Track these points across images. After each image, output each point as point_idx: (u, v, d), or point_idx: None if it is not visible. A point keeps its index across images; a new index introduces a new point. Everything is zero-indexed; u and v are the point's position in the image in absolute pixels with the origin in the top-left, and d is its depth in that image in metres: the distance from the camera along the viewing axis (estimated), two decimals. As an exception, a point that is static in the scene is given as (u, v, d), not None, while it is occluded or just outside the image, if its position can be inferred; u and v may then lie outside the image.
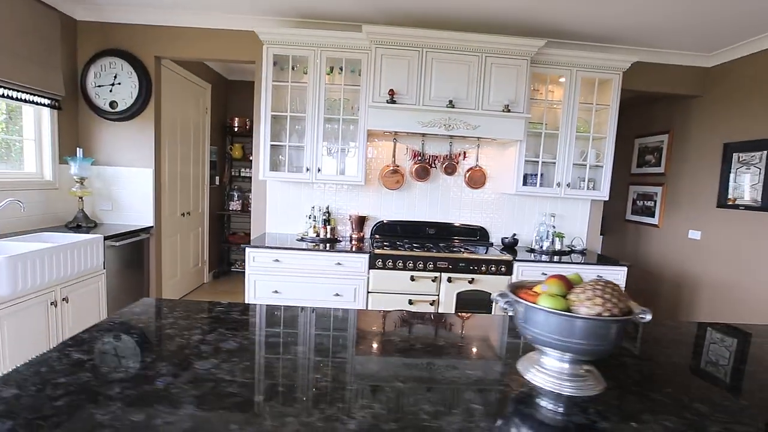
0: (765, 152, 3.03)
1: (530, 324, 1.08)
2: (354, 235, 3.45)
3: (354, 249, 3.03)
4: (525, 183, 3.38)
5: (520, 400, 1.00)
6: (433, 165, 3.55)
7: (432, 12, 3.04)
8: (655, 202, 4.08)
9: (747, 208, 3.15)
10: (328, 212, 3.39)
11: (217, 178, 5.04)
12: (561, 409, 0.96)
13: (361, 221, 3.46)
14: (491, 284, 3.03)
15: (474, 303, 3.03)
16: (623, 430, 0.88)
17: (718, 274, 3.38)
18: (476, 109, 3.06)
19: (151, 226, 3.53)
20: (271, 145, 3.20)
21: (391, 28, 2.96)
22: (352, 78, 3.26)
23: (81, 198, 3.31)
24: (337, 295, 3.00)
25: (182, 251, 4.27)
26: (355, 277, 2.99)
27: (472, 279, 3.01)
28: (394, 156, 3.54)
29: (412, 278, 2.99)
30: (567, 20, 3.04)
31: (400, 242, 3.34)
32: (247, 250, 2.95)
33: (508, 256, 3.05)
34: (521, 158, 3.27)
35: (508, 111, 3.05)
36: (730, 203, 3.28)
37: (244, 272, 4.88)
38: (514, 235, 3.60)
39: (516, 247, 3.51)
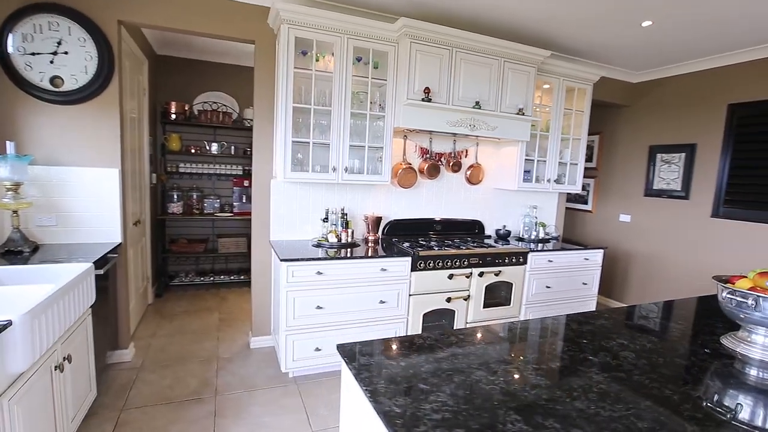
0: (683, 154, 3.99)
1: (761, 311, 1.33)
2: (371, 237, 3.29)
3: (396, 252, 2.92)
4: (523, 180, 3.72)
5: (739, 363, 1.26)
6: (440, 162, 3.61)
7: (461, 12, 3.04)
8: (588, 192, 4.94)
9: (669, 196, 4.11)
10: (345, 214, 3.16)
11: (154, 175, 4.10)
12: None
13: (377, 222, 3.32)
14: (511, 274, 3.29)
15: (498, 294, 3.26)
16: None
17: (646, 249, 4.33)
18: (496, 111, 3.22)
19: (119, 244, 2.73)
20: (292, 142, 2.81)
21: (428, 24, 2.88)
22: (368, 71, 3.04)
23: (16, 212, 2.36)
24: (382, 302, 2.87)
25: (134, 270, 3.40)
26: (399, 282, 2.90)
27: (499, 271, 3.23)
28: (404, 154, 3.47)
29: (450, 276, 3.05)
30: (563, 35, 3.41)
31: (424, 240, 3.34)
32: (285, 265, 2.56)
33: (525, 248, 3.36)
34: (522, 157, 3.58)
35: (522, 114, 3.30)
36: (655, 193, 4.23)
37: (188, 286, 4.17)
38: (505, 226, 3.94)
39: (509, 238, 3.85)
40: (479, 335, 1.47)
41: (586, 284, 3.69)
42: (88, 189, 2.64)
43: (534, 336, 1.51)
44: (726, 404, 1.07)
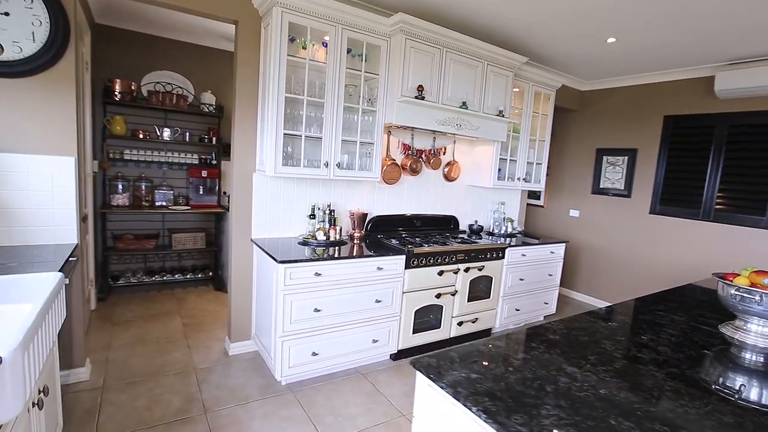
0: (626, 157, 4.46)
1: (764, 305, 1.55)
2: (356, 234, 3.21)
3: (390, 250, 2.87)
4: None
5: (735, 346, 1.54)
6: (421, 159, 3.62)
7: (453, 13, 3.02)
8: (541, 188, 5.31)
9: (614, 194, 4.57)
10: (332, 211, 3.04)
11: (95, 162, 3.55)
12: (761, 357, 1.48)
13: (363, 218, 3.25)
14: (491, 269, 3.44)
15: (479, 288, 3.38)
16: None
17: (593, 242, 4.79)
18: (479, 111, 3.31)
19: (75, 245, 2.33)
20: (280, 135, 2.61)
21: (423, 21, 2.84)
22: (357, 63, 2.93)
23: (-55, 210, 1.90)
24: (378, 301, 2.82)
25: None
26: (393, 280, 2.87)
27: (482, 266, 3.35)
28: (388, 149, 3.41)
29: (440, 273, 3.10)
30: (537, 44, 3.57)
31: (410, 237, 3.33)
32: (283, 267, 2.39)
33: (503, 243, 3.52)
34: (498, 156, 3.73)
35: (502, 116, 3.42)
36: (602, 191, 4.68)
37: (136, 287, 3.75)
38: (477, 221, 4.09)
39: (481, 233, 4.01)
40: (523, 337, 1.51)
41: (551, 275, 3.98)
42: (37, 180, 2.21)
43: (566, 336, 1.59)
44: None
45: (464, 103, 3.18)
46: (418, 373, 1.25)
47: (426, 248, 3.00)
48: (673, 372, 1.31)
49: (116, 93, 3.60)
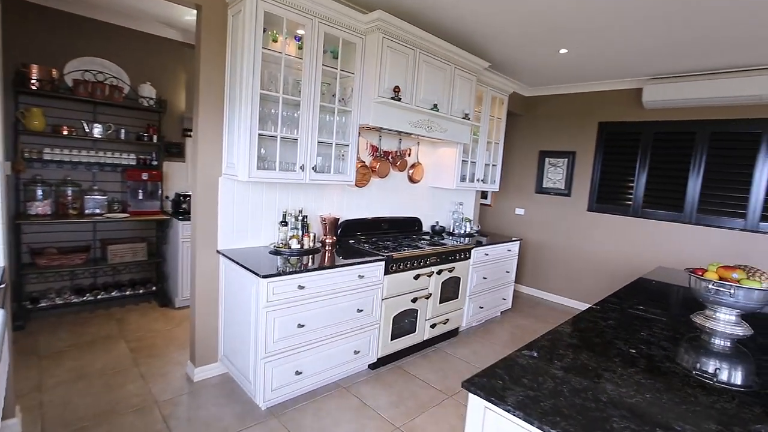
0: (566, 159, 4.83)
1: (736, 297, 1.76)
2: (328, 240, 3.07)
3: (370, 257, 2.78)
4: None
5: (705, 334, 1.75)
6: (389, 161, 3.56)
7: (423, 14, 2.99)
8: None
9: (555, 193, 4.94)
10: (305, 217, 2.87)
11: (8, 164, 2.93)
12: (729, 343, 1.70)
13: (335, 223, 3.11)
14: (459, 270, 3.51)
15: (449, 289, 3.44)
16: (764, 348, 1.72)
17: (538, 238, 5.13)
18: (448, 114, 3.34)
19: (2, 269, 1.91)
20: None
21: (401, 21, 2.79)
22: (331, 60, 2.78)
23: None
24: (359, 311, 2.72)
25: None
26: (374, 287, 2.79)
27: (453, 268, 3.40)
28: (357, 151, 3.30)
29: (416, 277, 3.08)
30: (497, 51, 3.70)
31: (381, 241, 3.26)
32: (266, 282, 2.19)
33: (471, 244, 3.60)
34: (461, 158, 3.81)
35: (467, 119, 3.50)
36: (545, 190, 5.03)
37: (63, 309, 3.27)
38: (438, 222, 4.16)
39: (443, 234, 4.08)
40: (547, 344, 1.54)
41: (508, 272, 4.19)
42: (-49, 192, 1.76)
43: (582, 339, 1.65)
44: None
45: (435, 106, 3.19)
46: (472, 396, 1.21)
47: (404, 253, 2.97)
48: (682, 367, 1.42)
49: (33, 81, 3.02)
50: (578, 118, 4.72)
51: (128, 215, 3.50)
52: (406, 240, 3.47)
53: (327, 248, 2.96)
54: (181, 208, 3.77)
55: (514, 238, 4.23)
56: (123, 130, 3.52)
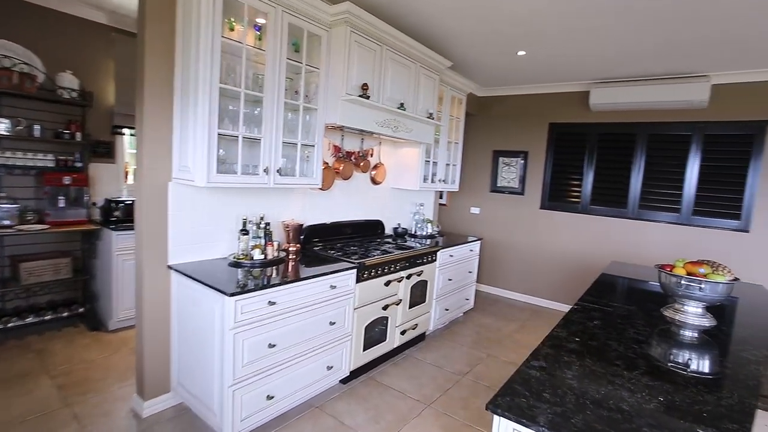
0: (519, 159, 4.98)
1: (704, 290, 1.85)
2: (292, 248, 2.83)
3: (343, 264, 2.59)
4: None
5: (675, 326, 1.84)
6: (352, 161, 3.39)
7: (390, 10, 2.86)
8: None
9: (510, 192, 5.08)
10: (267, 224, 2.61)
11: None
12: (696, 333, 1.80)
13: (299, 230, 2.88)
14: (427, 273, 3.44)
15: (417, 293, 3.35)
16: (736, 338, 1.85)
17: (493, 236, 5.24)
18: (414, 113, 3.25)
19: None
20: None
21: (370, 15, 2.64)
22: (295, 54, 2.56)
23: None
24: (332, 323, 2.53)
25: None
26: (346, 297, 2.62)
27: (421, 271, 3.32)
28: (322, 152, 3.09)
29: (387, 283, 2.95)
30: (458, 52, 3.67)
31: (347, 247, 3.08)
32: (232, 301, 1.93)
33: (436, 246, 3.54)
34: (424, 158, 3.74)
35: (431, 118, 3.43)
36: (499, 189, 5.15)
37: None
38: (400, 224, 4.06)
39: (405, 236, 3.99)
40: (551, 351, 1.49)
41: (471, 272, 4.20)
42: None
43: (581, 344, 1.63)
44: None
45: (402, 105, 3.08)
46: (499, 419, 1.11)
47: (375, 259, 2.82)
48: (677, 368, 1.44)
49: None
50: (530, 118, 4.88)
51: (47, 226, 2.97)
52: (372, 244, 3.33)
53: (292, 257, 2.73)
54: (113, 216, 3.29)
55: (472, 238, 4.26)
56: (38, 127, 2.98)
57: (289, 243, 2.85)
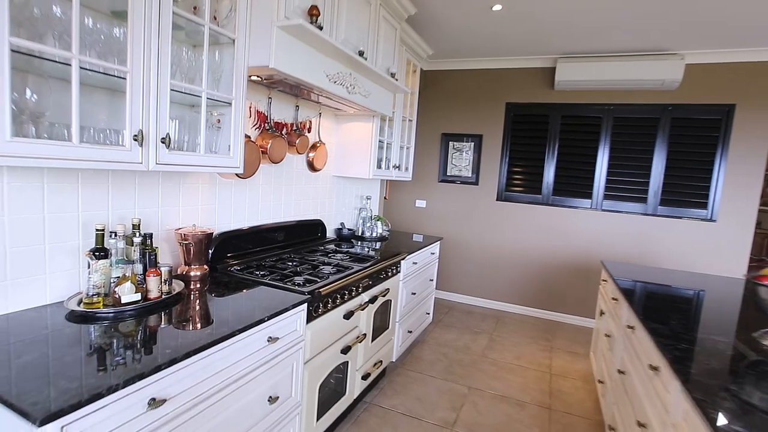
0: (472, 143, 4.34)
1: None
2: (195, 273, 1.74)
3: (287, 297, 1.57)
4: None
5: None
6: (283, 137, 2.33)
7: None
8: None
9: (462, 182, 4.41)
10: (146, 236, 1.49)
11: None
12: None
13: (206, 242, 1.78)
14: (392, 290, 2.55)
15: (378, 319, 2.46)
16: None
17: (443, 232, 4.54)
18: (374, 65, 2.31)
19: None
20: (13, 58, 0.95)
21: None
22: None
23: None
24: (274, 398, 1.52)
25: None
26: (291, 350, 1.62)
27: (387, 290, 2.43)
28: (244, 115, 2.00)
29: (348, 315, 2.01)
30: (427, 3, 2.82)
31: (282, 263, 2.07)
32: (56, 427, 0.84)
33: (400, 255, 2.67)
34: (377, 137, 2.84)
35: (394, 78, 2.53)
36: (449, 179, 4.46)
37: None
38: (344, 224, 3.13)
39: (352, 239, 3.06)
40: None
41: (432, 280, 3.43)
42: None
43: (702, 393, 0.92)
44: None
45: (362, 53, 2.12)
46: None
47: (332, 284, 1.85)
48: None
49: None
50: (484, 97, 4.24)
51: None
52: (316, 255, 2.35)
53: (195, 290, 1.64)
54: None
55: (431, 237, 3.49)
56: None
57: (189, 265, 1.74)
